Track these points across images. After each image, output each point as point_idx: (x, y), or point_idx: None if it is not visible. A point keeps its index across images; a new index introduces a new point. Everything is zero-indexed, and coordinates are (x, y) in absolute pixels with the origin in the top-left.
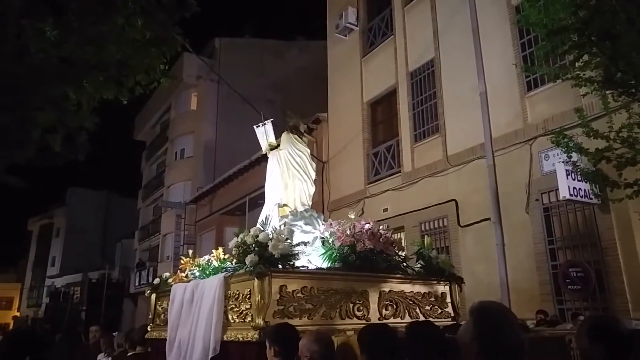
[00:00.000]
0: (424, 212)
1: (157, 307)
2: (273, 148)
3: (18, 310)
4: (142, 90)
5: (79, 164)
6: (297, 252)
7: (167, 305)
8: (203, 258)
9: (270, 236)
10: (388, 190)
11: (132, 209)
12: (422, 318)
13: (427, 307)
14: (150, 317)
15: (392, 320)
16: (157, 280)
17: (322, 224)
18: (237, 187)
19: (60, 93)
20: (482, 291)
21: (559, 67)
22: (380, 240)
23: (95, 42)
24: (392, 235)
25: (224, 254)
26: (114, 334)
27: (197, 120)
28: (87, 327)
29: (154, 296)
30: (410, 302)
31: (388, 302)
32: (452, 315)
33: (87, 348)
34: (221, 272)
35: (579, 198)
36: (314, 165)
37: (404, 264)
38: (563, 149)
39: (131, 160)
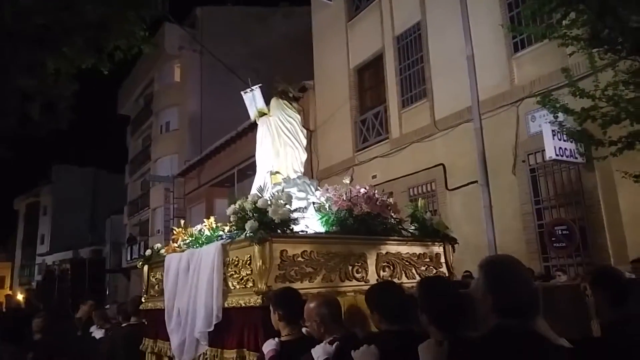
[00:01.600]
0: (413, 178)
1: (151, 278)
2: (262, 115)
3: (10, 289)
4: (123, 55)
5: (62, 140)
6: (296, 217)
7: (161, 275)
8: (195, 227)
9: (269, 202)
10: (376, 157)
11: (120, 184)
12: (417, 279)
13: (423, 268)
14: (143, 288)
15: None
16: (148, 252)
17: (318, 189)
18: (225, 159)
19: (37, 60)
20: (471, 252)
21: (546, 26)
22: (377, 203)
23: (71, 6)
24: (388, 199)
25: (216, 223)
26: (106, 306)
27: (181, 92)
28: (73, 303)
29: (146, 267)
30: (407, 263)
31: (385, 264)
32: (447, 275)
33: (73, 322)
34: (216, 240)
35: (564, 158)
36: (305, 131)
37: (400, 226)
38: (549, 110)
39: (116, 135)
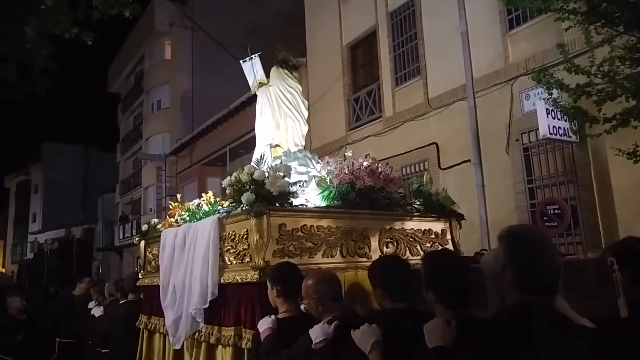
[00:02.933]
0: (406, 157)
1: (147, 253)
2: (261, 85)
3: (2, 267)
4: (100, 16)
5: (52, 119)
6: (295, 190)
7: (157, 251)
8: (192, 202)
9: (266, 174)
10: (369, 136)
11: (111, 162)
12: (422, 255)
13: (428, 244)
14: (140, 264)
15: None
16: (145, 227)
17: (319, 163)
18: (217, 137)
19: (8, 18)
20: (463, 231)
21: (542, 0)
22: (381, 177)
23: None
24: (392, 173)
25: (214, 198)
26: (106, 283)
27: (172, 69)
28: (63, 281)
29: (143, 243)
30: (411, 239)
31: (389, 240)
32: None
33: (62, 299)
34: (213, 215)
35: (558, 137)
36: (306, 103)
37: (404, 200)
38: (544, 86)
39: (107, 114)
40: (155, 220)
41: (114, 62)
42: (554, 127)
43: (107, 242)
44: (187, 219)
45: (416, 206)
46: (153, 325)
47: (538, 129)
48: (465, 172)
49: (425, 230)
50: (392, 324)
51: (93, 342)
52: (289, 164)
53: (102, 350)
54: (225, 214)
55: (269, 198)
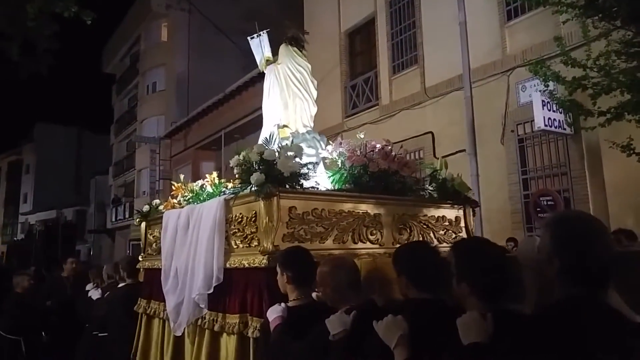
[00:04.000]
0: (401, 145)
1: (148, 235)
2: (269, 62)
3: None
4: None
5: (46, 98)
6: (307, 171)
7: (159, 233)
8: (196, 183)
9: (277, 153)
10: (366, 123)
11: (104, 144)
12: (435, 243)
13: (441, 232)
14: (138, 247)
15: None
16: (146, 208)
17: (330, 144)
18: (212, 122)
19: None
20: None
21: None
22: (395, 160)
23: None
24: (406, 155)
25: (219, 179)
26: (104, 266)
27: (169, 52)
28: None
29: (143, 224)
30: (424, 226)
31: (402, 226)
32: None
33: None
34: (219, 196)
35: (553, 129)
36: (316, 82)
37: (417, 185)
38: (540, 78)
39: (101, 95)
40: (157, 201)
41: (109, 43)
42: (549, 119)
43: (99, 224)
44: (191, 200)
45: (430, 192)
46: (152, 310)
47: (533, 120)
48: (460, 162)
49: (439, 217)
50: (420, 316)
51: (91, 325)
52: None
53: (100, 334)
54: (232, 195)
55: (280, 179)
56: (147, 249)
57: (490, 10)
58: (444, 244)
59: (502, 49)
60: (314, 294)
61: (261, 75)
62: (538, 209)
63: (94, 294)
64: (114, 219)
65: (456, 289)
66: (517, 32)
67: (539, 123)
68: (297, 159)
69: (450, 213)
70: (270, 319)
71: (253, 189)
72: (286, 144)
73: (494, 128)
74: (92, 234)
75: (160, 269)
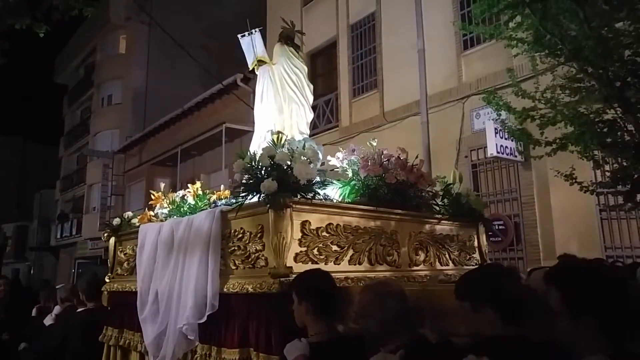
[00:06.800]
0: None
1: (118, 253)
2: (262, 63)
3: None
4: (60, 16)
5: None
6: (324, 179)
7: (132, 250)
8: (177, 194)
9: (291, 156)
10: (326, 144)
11: (52, 157)
12: (451, 265)
13: (456, 253)
14: (109, 265)
15: (422, 267)
16: (117, 221)
17: (341, 151)
18: (169, 137)
19: None
20: None
21: (494, 26)
22: (413, 170)
23: None
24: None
25: (202, 190)
26: (57, 286)
27: (126, 65)
28: None
29: (112, 240)
30: (440, 246)
31: (418, 245)
32: (480, 262)
33: None
34: (206, 209)
35: (504, 155)
36: (312, 87)
37: (433, 201)
38: (493, 107)
39: (51, 105)
40: (130, 213)
41: (62, 52)
42: (501, 146)
43: (42, 241)
44: (171, 213)
45: (444, 208)
46: (127, 342)
47: (486, 147)
48: None
49: (453, 236)
50: (510, 356)
51: (41, 355)
52: None
53: None
54: (234, 205)
55: (294, 188)
56: (116, 268)
57: (448, 40)
58: (459, 266)
59: (458, 77)
60: (340, 327)
61: (220, 92)
62: (490, 233)
63: (47, 319)
64: (59, 236)
65: (564, 326)
66: (472, 61)
67: (492, 150)
68: (312, 165)
69: (463, 232)
70: (290, 359)
71: (263, 198)
72: (298, 148)
73: (449, 153)
74: (34, 251)
75: (134, 292)
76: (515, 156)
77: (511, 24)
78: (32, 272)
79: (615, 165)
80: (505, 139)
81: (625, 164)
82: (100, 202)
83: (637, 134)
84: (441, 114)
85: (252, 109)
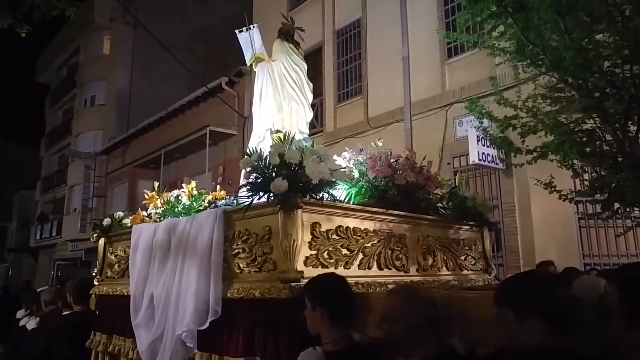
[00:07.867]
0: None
1: (108, 255)
2: (260, 60)
3: None
4: (42, 16)
5: None
6: (335, 179)
7: (124, 252)
8: (171, 193)
9: (302, 154)
10: None
11: (33, 157)
12: (458, 270)
13: (462, 258)
14: (98, 267)
15: (429, 272)
16: (107, 221)
17: (347, 150)
18: (153, 139)
19: None
20: None
21: (478, 35)
22: (422, 172)
23: None
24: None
25: (197, 189)
26: (39, 289)
27: (110, 65)
28: None
29: (102, 241)
30: (447, 250)
31: (426, 250)
32: (485, 267)
33: None
34: (202, 210)
35: (486, 163)
36: (311, 85)
37: (441, 204)
38: (475, 115)
39: (32, 105)
40: (121, 213)
41: (45, 51)
42: (483, 153)
43: (21, 242)
44: (166, 213)
45: (450, 211)
46: (116, 347)
47: (468, 154)
48: None
49: (459, 240)
50: None
51: None
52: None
53: None
54: (241, 206)
55: (306, 188)
56: (105, 270)
57: (432, 47)
58: (465, 271)
59: (441, 85)
60: (356, 335)
61: (205, 95)
62: None
63: (30, 323)
64: (38, 237)
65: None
66: (456, 69)
67: (474, 157)
68: (323, 164)
69: (469, 236)
70: None
71: (273, 198)
72: (307, 146)
73: (432, 160)
74: (12, 252)
75: (126, 296)
76: (497, 164)
77: (494, 33)
78: (10, 273)
79: (593, 175)
80: (487, 146)
81: (603, 173)
82: (81, 203)
83: (615, 144)
84: (424, 120)
85: (237, 112)
